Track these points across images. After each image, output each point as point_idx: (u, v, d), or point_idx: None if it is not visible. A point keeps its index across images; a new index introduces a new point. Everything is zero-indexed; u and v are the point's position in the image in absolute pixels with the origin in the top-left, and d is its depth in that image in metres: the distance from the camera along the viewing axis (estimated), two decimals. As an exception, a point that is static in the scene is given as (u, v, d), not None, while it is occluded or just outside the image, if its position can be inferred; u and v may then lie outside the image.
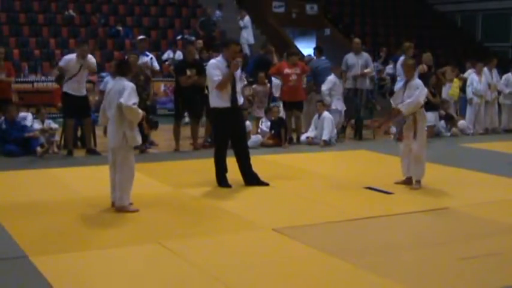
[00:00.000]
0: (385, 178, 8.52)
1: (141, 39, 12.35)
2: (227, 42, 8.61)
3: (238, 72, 8.21)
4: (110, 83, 7.18)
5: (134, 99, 6.67)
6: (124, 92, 6.64)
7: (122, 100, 6.59)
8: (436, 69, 14.65)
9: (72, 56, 10.34)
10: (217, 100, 8.05)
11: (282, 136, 11.60)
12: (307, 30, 23.54)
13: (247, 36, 20.30)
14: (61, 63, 10.36)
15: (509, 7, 25.73)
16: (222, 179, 8.15)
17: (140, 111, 6.84)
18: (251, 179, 8.20)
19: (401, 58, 12.59)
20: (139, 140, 7.04)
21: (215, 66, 8.02)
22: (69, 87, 10.20)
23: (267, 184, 8.18)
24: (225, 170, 8.18)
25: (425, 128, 12.42)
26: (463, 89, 14.76)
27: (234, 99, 8.05)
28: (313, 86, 13.02)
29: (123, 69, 7.02)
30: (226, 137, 8.23)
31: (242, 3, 22.62)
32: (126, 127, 6.72)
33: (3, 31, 18.01)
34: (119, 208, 6.75)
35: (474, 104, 14.14)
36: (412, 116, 8.04)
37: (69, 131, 10.55)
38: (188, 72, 10.89)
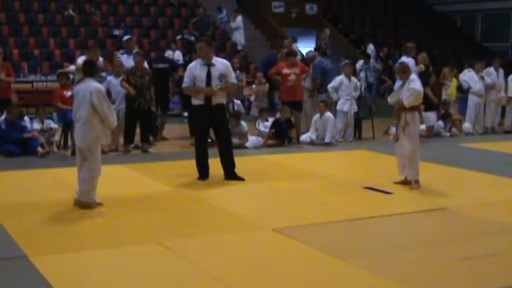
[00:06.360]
0: (384, 178, 8.52)
1: (127, 40, 12.43)
2: (198, 41, 9.01)
3: (216, 71, 8.36)
4: (78, 85, 7.13)
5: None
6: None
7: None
8: (436, 68, 14.65)
9: (84, 58, 10.27)
10: (193, 98, 8.50)
11: (294, 135, 11.67)
12: (306, 31, 23.54)
13: (240, 37, 20.35)
14: (74, 69, 10.24)
15: (508, 7, 25.74)
16: (199, 171, 8.53)
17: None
18: (227, 173, 8.53)
19: (403, 58, 12.60)
20: (108, 140, 7.19)
21: (189, 70, 8.56)
22: None
23: (242, 179, 8.44)
24: (204, 162, 8.50)
25: (423, 128, 12.53)
26: (460, 89, 14.76)
27: (208, 97, 8.34)
28: (320, 84, 12.94)
29: (90, 70, 7.01)
30: (202, 132, 8.63)
31: (242, 3, 22.64)
32: (98, 128, 6.78)
33: (3, 31, 18.01)
34: (84, 204, 6.78)
35: (474, 104, 14.13)
36: (403, 116, 8.06)
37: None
38: None
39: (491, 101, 14.37)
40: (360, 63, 14.51)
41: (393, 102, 8.32)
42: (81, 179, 6.83)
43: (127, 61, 11.27)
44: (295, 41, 17.68)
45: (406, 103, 7.99)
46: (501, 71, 14.75)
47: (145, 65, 11.17)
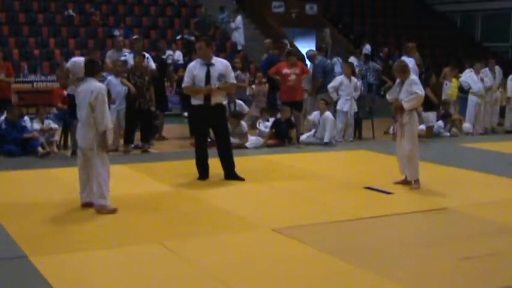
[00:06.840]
0: (384, 178, 8.53)
1: (136, 39, 12.41)
2: (197, 41, 9.01)
3: (216, 71, 8.37)
4: (81, 85, 7.05)
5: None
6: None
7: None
8: (436, 68, 14.65)
9: (81, 59, 10.22)
10: (192, 98, 8.53)
11: (293, 136, 11.64)
12: (306, 30, 23.55)
13: (239, 37, 20.34)
14: (68, 65, 10.22)
15: (508, 7, 25.74)
16: (199, 171, 8.55)
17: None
18: (227, 173, 8.55)
19: (404, 58, 12.59)
20: (110, 140, 7.19)
21: (188, 70, 8.59)
22: (74, 90, 10.02)
23: (242, 179, 8.45)
24: (204, 162, 8.52)
25: (423, 128, 12.52)
26: (462, 89, 14.77)
27: (207, 97, 8.35)
28: (320, 83, 12.94)
29: (90, 69, 6.99)
30: (201, 131, 8.68)
31: (242, 3, 22.65)
32: (96, 129, 6.77)
33: (3, 31, 18.02)
34: (100, 208, 6.73)
35: (474, 104, 14.13)
36: (401, 116, 8.06)
37: (75, 132, 10.50)
38: None
39: (486, 102, 14.39)
40: (354, 62, 14.50)
41: (392, 99, 8.31)
42: (92, 181, 6.80)
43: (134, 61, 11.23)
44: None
45: (406, 106, 7.96)
46: (497, 69, 14.76)
47: (151, 63, 11.15)
